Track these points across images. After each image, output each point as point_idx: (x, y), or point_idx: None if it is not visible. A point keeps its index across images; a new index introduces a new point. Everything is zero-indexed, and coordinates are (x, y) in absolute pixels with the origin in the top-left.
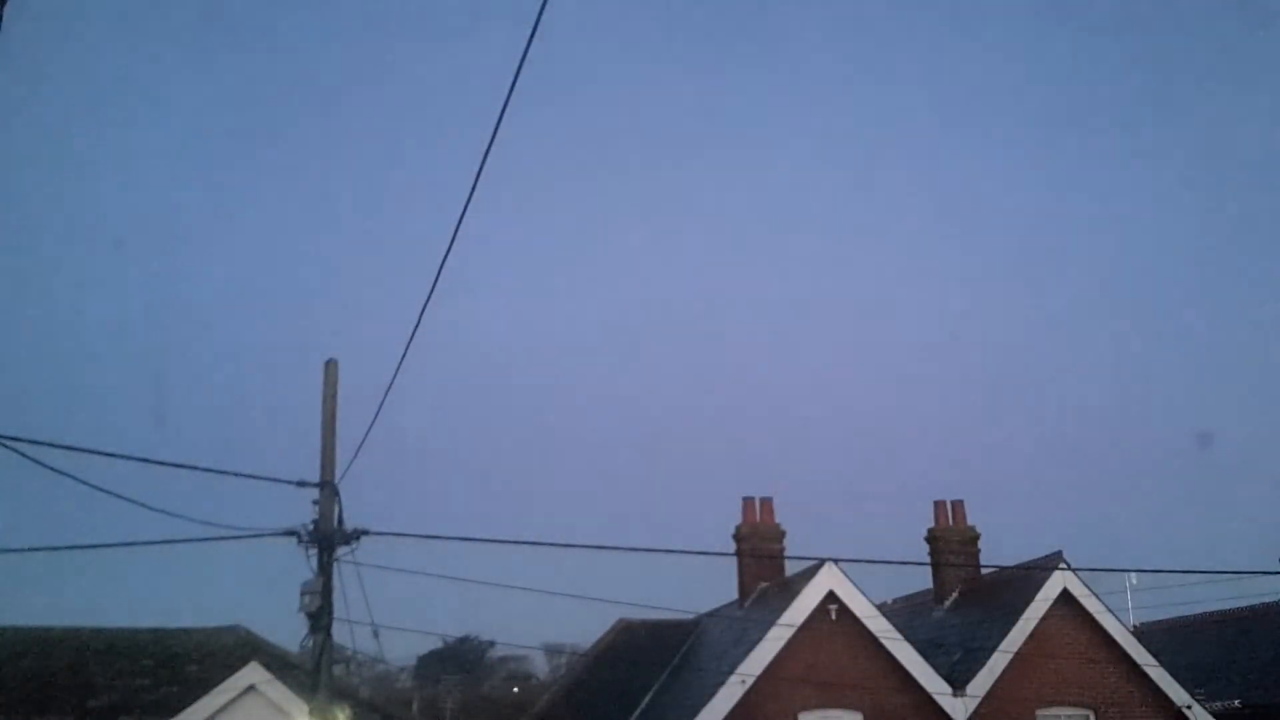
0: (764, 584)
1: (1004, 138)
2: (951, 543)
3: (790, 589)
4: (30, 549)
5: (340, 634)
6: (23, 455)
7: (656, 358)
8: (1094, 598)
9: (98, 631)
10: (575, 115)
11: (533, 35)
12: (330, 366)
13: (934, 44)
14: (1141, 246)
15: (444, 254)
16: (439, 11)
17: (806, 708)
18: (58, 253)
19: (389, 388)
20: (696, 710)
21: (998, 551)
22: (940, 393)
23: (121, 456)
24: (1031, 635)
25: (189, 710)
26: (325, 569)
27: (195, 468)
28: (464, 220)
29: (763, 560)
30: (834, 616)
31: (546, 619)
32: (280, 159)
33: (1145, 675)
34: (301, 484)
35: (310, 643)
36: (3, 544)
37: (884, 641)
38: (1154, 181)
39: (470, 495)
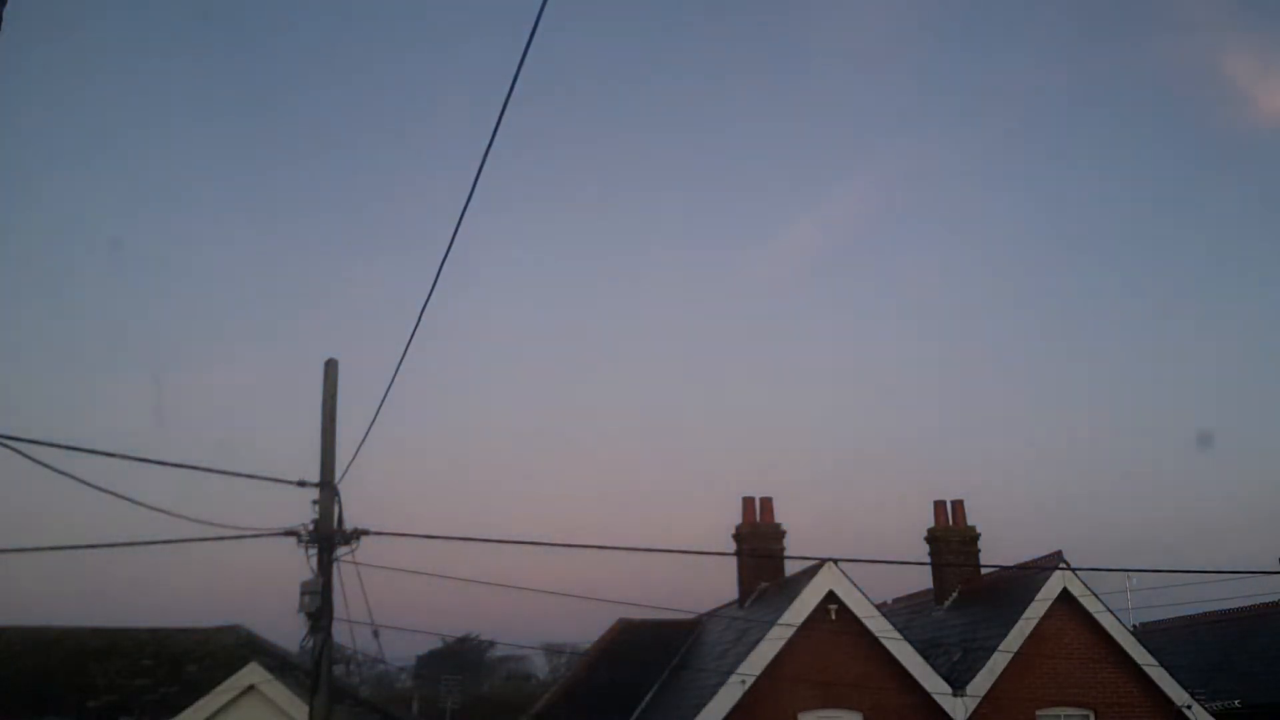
0: (764, 584)
1: (1003, 137)
2: (951, 543)
3: (790, 589)
4: (30, 549)
5: (340, 634)
6: (23, 455)
7: (657, 356)
8: (1094, 598)
9: (98, 631)
10: (588, 106)
11: (533, 35)
12: (330, 366)
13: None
14: (1141, 245)
15: (444, 253)
16: (441, 9)
17: (806, 708)
18: (58, 252)
19: (389, 387)
20: (696, 710)
21: (998, 551)
22: (940, 392)
23: (121, 456)
24: (1031, 635)
25: (189, 710)
26: (325, 569)
27: (195, 468)
28: (463, 219)
29: (763, 560)
30: (834, 616)
31: (546, 619)
32: (279, 158)
33: (1145, 675)
34: (301, 484)
35: (310, 643)
36: (3, 544)
37: (884, 641)
38: (1153, 179)
39: (470, 495)
